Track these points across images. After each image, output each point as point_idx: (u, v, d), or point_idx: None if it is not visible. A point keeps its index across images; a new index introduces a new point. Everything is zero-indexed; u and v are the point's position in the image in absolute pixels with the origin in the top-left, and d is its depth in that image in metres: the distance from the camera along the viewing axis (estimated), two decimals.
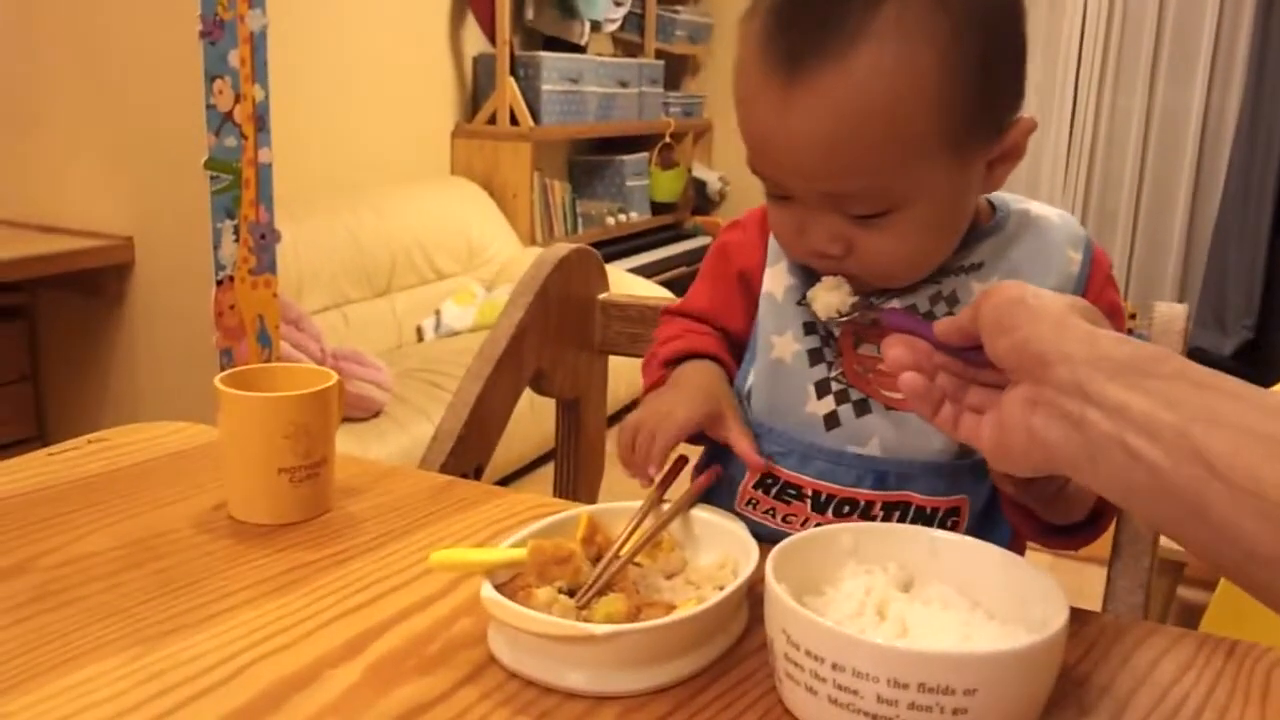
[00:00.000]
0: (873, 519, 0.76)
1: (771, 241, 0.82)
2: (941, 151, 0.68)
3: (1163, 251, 4.55)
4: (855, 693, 0.51)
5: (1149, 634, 0.64)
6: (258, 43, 1.94)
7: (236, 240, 1.99)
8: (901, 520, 0.76)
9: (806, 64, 0.66)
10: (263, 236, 2.03)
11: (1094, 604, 0.74)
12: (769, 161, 0.71)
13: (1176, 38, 4.38)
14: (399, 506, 0.80)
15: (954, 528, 0.76)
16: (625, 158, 4.31)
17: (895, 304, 0.75)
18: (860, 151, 0.67)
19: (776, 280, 0.81)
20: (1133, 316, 4.10)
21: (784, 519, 0.79)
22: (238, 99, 1.93)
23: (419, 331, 3.26)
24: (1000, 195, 0.80)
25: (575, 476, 1.09)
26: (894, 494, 0.76)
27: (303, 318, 2.50)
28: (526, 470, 2.88)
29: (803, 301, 0.77)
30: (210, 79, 1.89)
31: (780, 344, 0.79)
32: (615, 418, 2.94)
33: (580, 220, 4.11)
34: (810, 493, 0.77)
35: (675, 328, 0.87)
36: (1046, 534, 0.73)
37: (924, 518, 0.76)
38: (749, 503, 0.80)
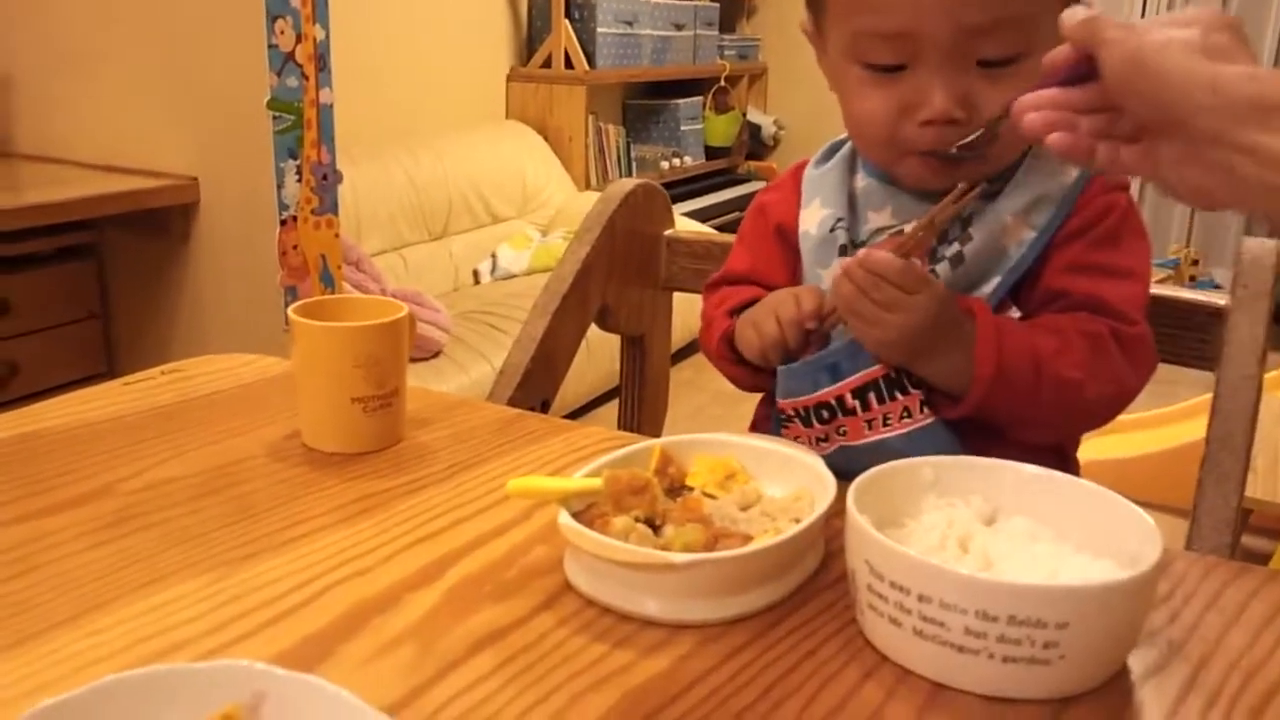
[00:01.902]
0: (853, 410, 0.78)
1: (804, 182, 0.85)
2: (1056, 4, 0.72)
3: None
4: (942, 624, 0.50)
5: (1238, 574, 0.62)
6: None
7: (299, 180, 1.99)
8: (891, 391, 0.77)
9: None
10: (325, 177, 2.04)
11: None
12: (908, 8, 0.72)
13: None
14: (469, 438, 0.80)
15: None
16: (680, 101, 4.26)
17: (913, 225, 0.77)
18: None
19: (811, 218, 0.83)
20: (1195, 263, 4.01)
21: (831, 435, 0.80)
22: (299, 39, 1.92)
23: (475, 274, 3.27)
24: None
25: (639, 412, 1.09)
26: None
27: (363, 259, 2.51)
28: (586, 409, 2.89)
29: (836, 229, 0.80)
30: (272, 19, 1.88)
31: (826, 276, 0.80)
32: (679, 354, 2.93)
33: (635, 164, 4.08)
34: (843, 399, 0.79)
35: (724, 296, 0.88)
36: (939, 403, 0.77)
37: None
38: (821, 438, 0.80)
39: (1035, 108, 0.60)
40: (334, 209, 2.04)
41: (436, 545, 0.64)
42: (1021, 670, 0.49)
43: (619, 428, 1.12)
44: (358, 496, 0.70)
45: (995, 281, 0.77)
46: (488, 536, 0.65)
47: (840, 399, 0.78)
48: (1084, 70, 0.59)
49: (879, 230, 0.81)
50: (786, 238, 0.86)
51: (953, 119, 0.73)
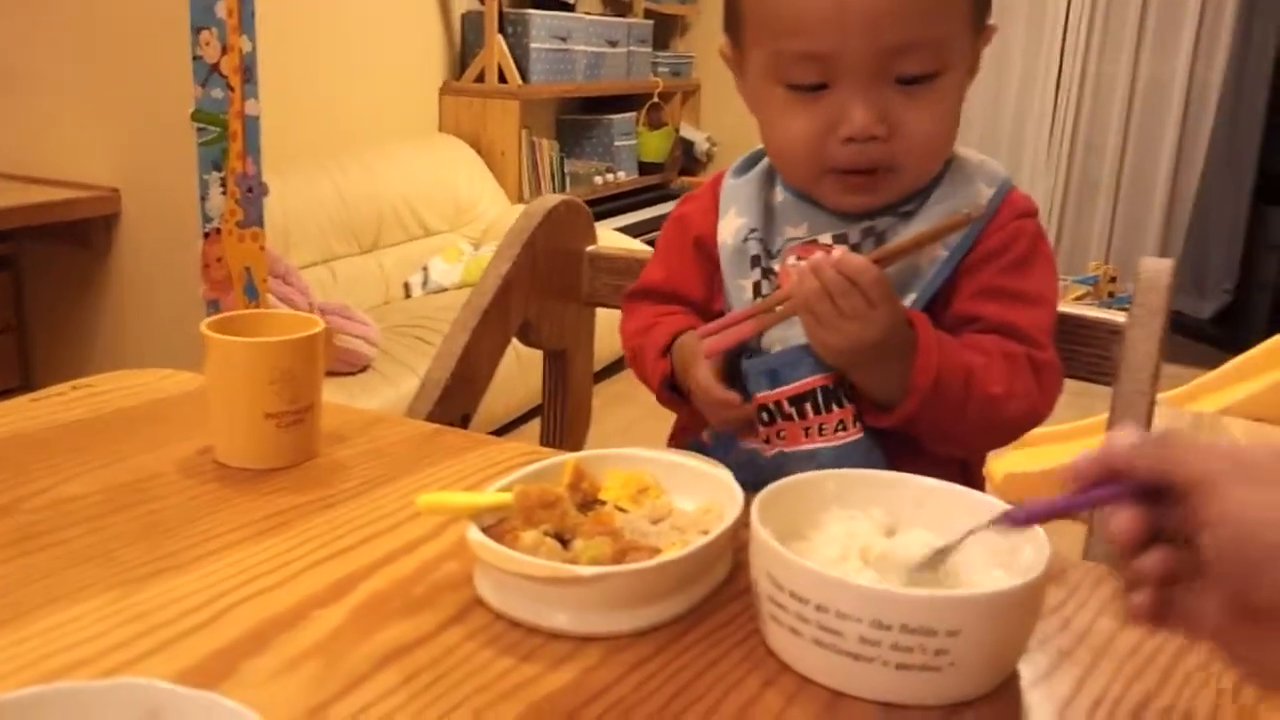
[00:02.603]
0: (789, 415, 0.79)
1: (723, 191, 0.86)
2: (970, 21, 0.77)
3: (1145, 217, 4.57)
4: (838, 634, 0.51)
5: None
6: None
7: (224, 192, 1.97)
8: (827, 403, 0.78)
9: None
10: (250, 189, 2.01)
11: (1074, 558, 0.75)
12: (825, 28, 0.74)
13: (1163, 6, 4.38)
14: (386, 453, 0.80)
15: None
16: (613, 117, 4.27)
17: (828, 237, 0.80)
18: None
19: (727, 228, 0.85)
20: (1113, 279, 4.13)
21: (772, 439, 0.80)
22: (224, 50, 1.90)
23: (406, 288, 3.25)
24: None
25: (562, 427, 1.10)
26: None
27: (290, 271, 2.49)
28: (514, 425, 2.88)
29: (749, 239, 0.81)
30: (197, 30, 1.86)
31: (746, 285, 0.82)
32: (610, 369, 2.92)
33: (568, 179, 4.09)
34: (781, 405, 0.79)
35: (645, 317, 0.89)
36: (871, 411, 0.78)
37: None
38: (764, 440, 0.81)
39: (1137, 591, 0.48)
40: (259, 221, 2.01)
41: (346, 562, 0.64)
42: (914, 677, 0.51)
43: (542, 443, 1.12)
44: (269, 513, 0.70)
45: (910, 299, 0.79)
46: (398, 553, 0.65)
47: (778, 404, 0.79)
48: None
49: (791, 240, 0.82)
50: (705, 249, 0.87)
51: (873, 135, 0.75)
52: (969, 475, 0.86)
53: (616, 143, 4.27)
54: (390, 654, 0.55)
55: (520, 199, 3.76)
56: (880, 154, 0.76)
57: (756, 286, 0.81)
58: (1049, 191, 4.71)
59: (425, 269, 3.27)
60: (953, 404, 0.75)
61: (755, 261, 0.82)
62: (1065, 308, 0.86)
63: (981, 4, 0.78)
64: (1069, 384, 0.88)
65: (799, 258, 0.80)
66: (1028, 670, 0.55)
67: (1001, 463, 2.74)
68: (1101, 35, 4.50)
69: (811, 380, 0.77)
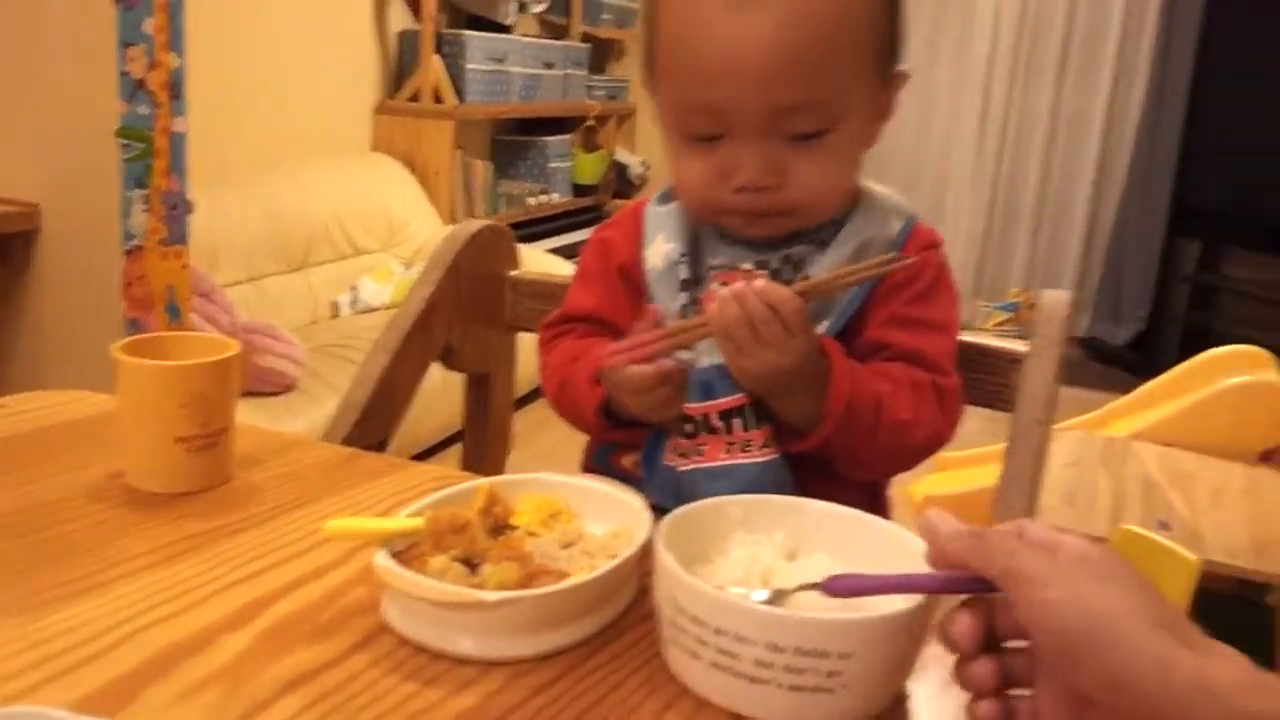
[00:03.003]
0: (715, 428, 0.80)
1: (647, 219, 0.88)
2: (867, 76, 0.79)
3: (1064, 245, 4.72)
4: (735, 656, 0.53)
5: None
6: (174, 10, 1.90)
7: (147, 210, 1.95)
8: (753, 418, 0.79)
9: None
10: (174, 207, 1.99)
11: None
12: (721, 83, 0.76)
13: (1084, 43, 4.54)
14: (301, 477, 0.80)
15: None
16: (548, 139, 4.29)
17: (750, 264, 0.82)
18: (813, 59, 0.75)
19: (656, 253, 0.86)
20: (1033, 306, 4.24)
21: (690, 453, 0.81)
22: (152, 66, 1.89)
23: (334, 307, 3.22)
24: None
25: (483, 451, 1.10)
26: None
27: (215, 290, 2.46)
28: (439, 448, 2.87)
29: (680, 263, 0.83)
30: (124, 45, 1.84)
31: (674, 307, 0.84)
32: (525, 396, 2.94)
33: (502, 200, 4.10)
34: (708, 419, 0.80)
35: (571, 346, 0.89)
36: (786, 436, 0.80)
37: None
38: (681, 454, 0.82)
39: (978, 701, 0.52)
40: (183, 239, 1.99)
41: (254, 586, 0.64)
42: (807, 699, 0.53)
43: (462, 467, 1.13)
44: (179, 537, 0.70)
45: (824, 325, 0.82)
46: (307, 578, 0.65)
47: (706, 416, 0.80)
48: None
49: (718, 266, 0.84)
50: (629, 276, 0.88)
51: (764, 186, 0.78)
52: (877, 497, 0.89)
53: (551, 164, 4.29)
54: (294, 680, 0.55)
55: (453, 219, 3.75)
56: (772, 201, 0.79)
57: (684, 310, 0.83)
58: (973, 219, 4.83)
59: (355, 288, 3.25)
60: (864, 430, 0.78)
61: (685, 285, 0.84)
62: (969, 337, 0.90)
63: (884, 55, 0.81)
64: (982, 411, 0.92)
65: (723, 283, 0.82)
66: (917, 690, 0.57)
67: (921, 485, 2.80)
68: (1025, 70, 4.65)
69: (744, 396, 0.79)
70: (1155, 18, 4.35)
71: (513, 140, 4.31)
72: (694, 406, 0.79)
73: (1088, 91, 4.57)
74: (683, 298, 0.83)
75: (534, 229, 4.16)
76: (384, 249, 3.47)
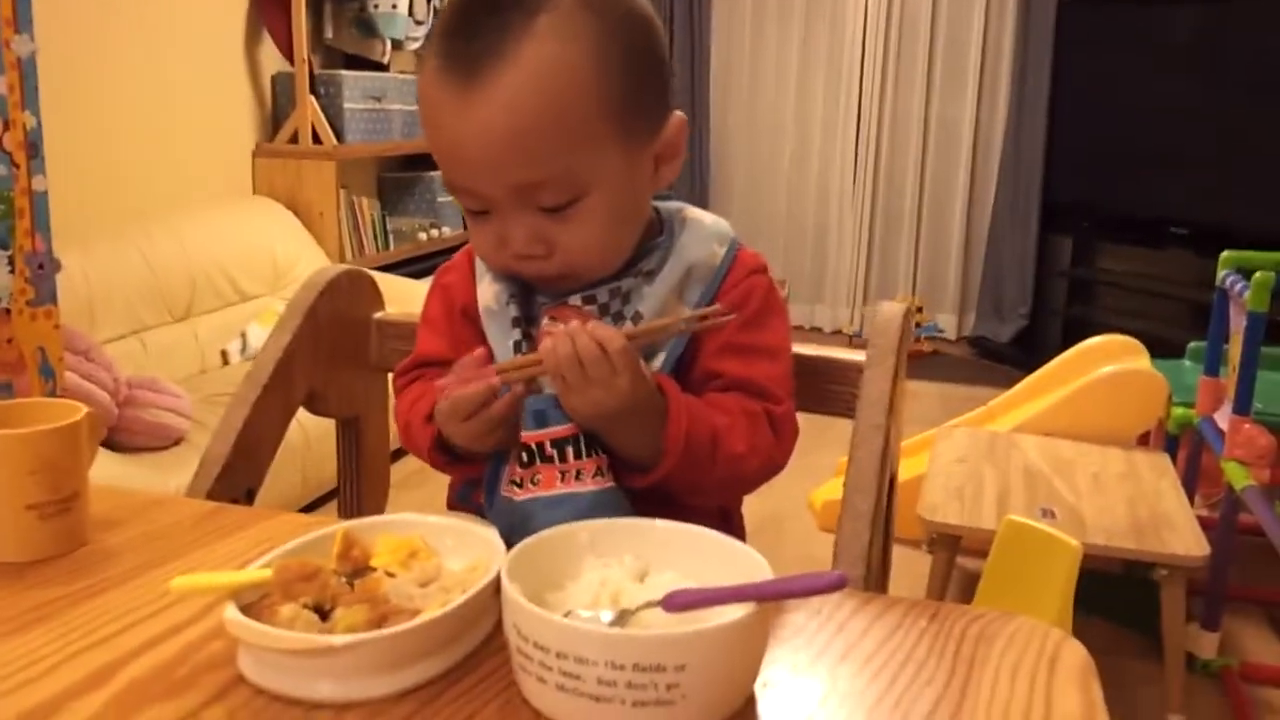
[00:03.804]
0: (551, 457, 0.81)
1: (476, 262, 0.90)
2: (609, 138, 0.79)
3: (944, 249, 4.88)
4: (578, 678, 0.55)
5: (864, 604, 0.70)
6: (27, 69, 1.86)
7: (12, 271, 1.90)
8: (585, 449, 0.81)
9: (480, 67, 0.75)
10: (40, 266, 1.95)
11: None
12: (462, 169, 0.79)
13: (947, 53, 4.72)
14: (160, 536, 0.80)
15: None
16: (435, 174, 4.28)
17: (578, 298, 0.84)
18: (539, 138, 0.76)
19: (486, 292, 0.88)
20: (919, 310, 4.37)
21: (525, 482, 0.82)
22: (7, 126, 1.84)
23: (224, 355, 3.17)
24: (666, 206, 0.90)
25: (359, 495, 1.10)
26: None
27: (93, 348, 2.40)
28: (330, 497, 2.82)
29: (510, 302, 0.85)
30: None
31: (509, 345, 0.86)
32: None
33: (391, 237, 4.07)
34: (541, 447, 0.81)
35: (418, 390, 0.91)
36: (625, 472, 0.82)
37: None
38: (517, 483, 0.82)
39: None
40: (52, 299, 1.95)
41: (108, 650, 0.64)
42: (650, 713, 0.55)
43: (340, 513, 1.13)
44: (31, 605, 0.69)
45: (660, 359, 0.84)
46: (162, 636, 0.65)
47: (540, 445, 0.81)
48: None
49: (544, 302, 0.86)
50: (470, 316, 0.90)
51: (531, 255, 0.81)
52: (729, 519, 0.91)
53: (440, 199, 4.28)
54: None
55: (343, 258, 3.72)
56: (543, 267, 0.82)
57: (517, 345, 0.85)
58: (855, 226, 4.96)
59: (243, 335, 3.20)
60: (701, 463, 0.80)
61: (516, 323, 0.85)
62: (816, 350, 0.93)
63: (631, 114, 0.80)
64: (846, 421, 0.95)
65: (551, 318, 0.84)
66: (763, 694, 0.60)
67: (821, 491, 2.86)
68: (894, 80, 4.80)
69: (576, 425, 0.80)
70: (1012, 29, 4.55)
71: (398, 177, 4.29)
72: (528, 435, 0.80)
73: (955, 99, 4.74)
74: (515, 334, 0.85)
75: (427, 263, 4.14)
76: (271, 293, 3.42)
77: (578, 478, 0.81)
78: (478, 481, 0.85)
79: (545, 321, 0.84)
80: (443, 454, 0.85)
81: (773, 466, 0.85)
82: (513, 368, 0.79)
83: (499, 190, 0.79)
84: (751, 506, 0.94)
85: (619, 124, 0.79)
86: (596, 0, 0.78)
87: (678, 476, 0.80)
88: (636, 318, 0.84)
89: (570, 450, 0.80)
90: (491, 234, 0.81)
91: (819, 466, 2.79)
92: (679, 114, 0.84)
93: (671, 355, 0.84)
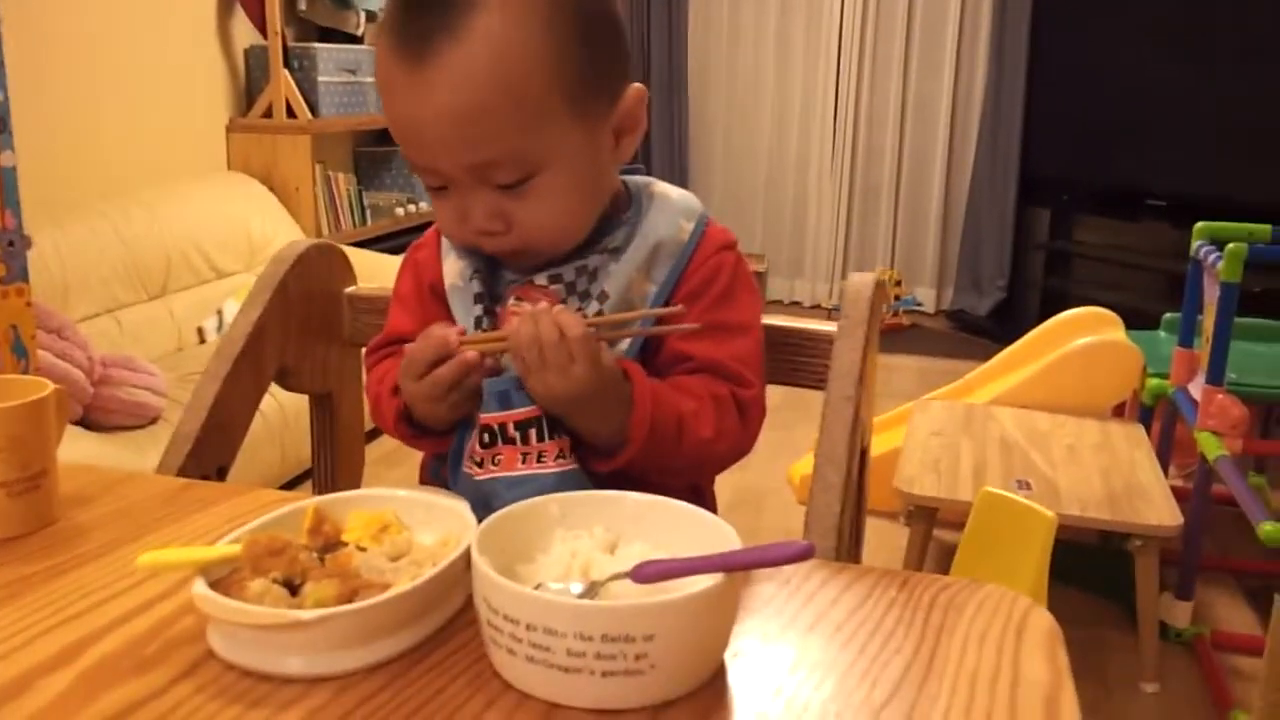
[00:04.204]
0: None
1: (441, 238, 0.89)
2: (564, 114, 0.77)
3: (923, 222, 4.89)
4: (548, 649, 0.55)
5: (835, 574, 0.71)
6: None
7: None
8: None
9: (430, 45, 0.74)
10: (11, 244, 1.92)
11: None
12: (417, 146, 0.78)
13: (925, 29, 4.72)
14: (129, 513, 0.80)
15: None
16: None
17: (544, 276, 0.84)
18: (491, 118, 0.75)
19: (451, 269, 0.88)
20: (898, 283, 4.38)
21: (486, 462, 0.81)
22: None
23: (200, 333, 3.15)
24: (634, 180, 0.89)
25: (333, 471, 1.10)
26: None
27: (66, 326, 2.38)
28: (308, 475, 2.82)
29: (473, 278, 0.85)
30: None
31: (470, 321, 0.85)
32: None
33: (368, 211, 4.05)
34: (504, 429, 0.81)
35: (385, 366, 0.90)
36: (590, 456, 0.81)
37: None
38: (478, 462, 0.82)
39: None
40: (24, 276, 1.93)
41: (77, 627, 0.63)
42: (619, 683, 0.55)
43: (314, 489, 1.12)
44: (0, 583, 0.69)
45: (627, 342, 0.84)
46: (133, 613, 0.65)
47: (503, 426, 0.81)
48: None
49: (512, 281, 0.86)
50: (439, 293, 0.89)
51: (491, 231, 0.80)
52: (700, 495, 0.91)
53: None
54: (115, 714, 0.55)
55: (319, 233, 3.69)
56: (502, 243, 0.81)
57: (478, 321, 0.84)
58: (834, 199, 4.96)
59: (220, 312, 3.18)
60: (667, 448, 0.80)
61: (479, 299, 0.85)
62: (788, 322, 0.93)
63: (585, 90, 0.78)
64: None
65: (518, 298, 0.83)
66: (732, 664, 0.60)
67: (800, 465, 2.87)
68: (873, 53, 4.80)
69: (539, 408, 0.80)
70: (990, 4, 4.54)
71: (375, 151, 4.26)
72: (490, 416, 0.80)
73: (932, 74, 4.74)
74: (477, 310, 0.85)
75: (404, 238, 4.11)
76: (247, 269, 3.40)
77: (539, 460, 0.81)
78: (445, 457, 0.85)
79: (512, 301, 0.84)
80: (408, 426, 0.85)
81: (739, 451, 0.85)
82: (479, 340, 0.79)
83: (455, 169, 0.78)
84: (731, 481, 0.95)
85: (574, 99, 0.77)
86: None
87: (643, 460, 0.80)
88: (603, 297, 0.83)
89: (533, 432, 0.80)
90: (452, 210, 0.81)
91: (799, 441, 2.81)
92: (637, 85, 0.83)
93: (637, 339, 0.83)
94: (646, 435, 0.79)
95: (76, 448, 2.14)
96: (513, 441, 0.80)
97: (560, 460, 0.81)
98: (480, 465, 0.81)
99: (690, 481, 0.90)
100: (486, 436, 0.81)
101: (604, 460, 0.81)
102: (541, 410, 0.80)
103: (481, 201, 0.79)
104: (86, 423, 2.35)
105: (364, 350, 1.10)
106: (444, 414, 0.81)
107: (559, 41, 0.76)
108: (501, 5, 0.75)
